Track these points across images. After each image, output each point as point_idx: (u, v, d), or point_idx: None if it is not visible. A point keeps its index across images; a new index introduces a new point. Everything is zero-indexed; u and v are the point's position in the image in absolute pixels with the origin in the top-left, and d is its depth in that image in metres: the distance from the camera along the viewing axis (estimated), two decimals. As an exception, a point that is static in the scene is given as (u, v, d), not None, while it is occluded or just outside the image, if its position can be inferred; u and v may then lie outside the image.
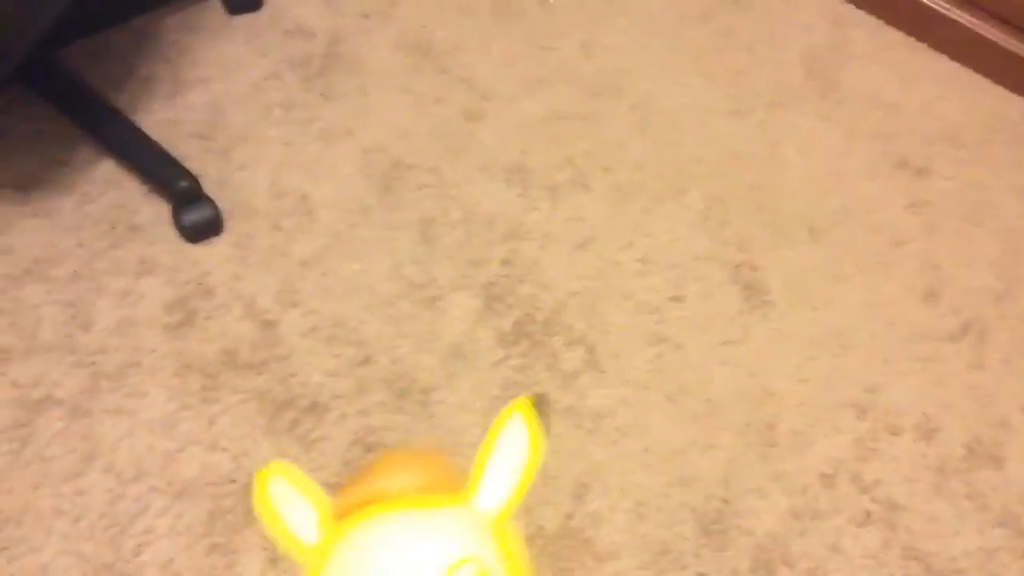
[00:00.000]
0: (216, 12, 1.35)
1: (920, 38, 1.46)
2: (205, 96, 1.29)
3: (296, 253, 1.18)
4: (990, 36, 1.42)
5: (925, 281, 1.24)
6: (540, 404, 0.33)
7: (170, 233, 1.18)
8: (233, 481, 1.03)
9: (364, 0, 1.38)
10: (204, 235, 1.18)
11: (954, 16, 1.43)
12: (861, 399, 1.13)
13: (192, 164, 1.21)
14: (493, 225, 1.23)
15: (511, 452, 0.32)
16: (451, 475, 0.34)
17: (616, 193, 1.28)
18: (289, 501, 0.33)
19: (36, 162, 1.22)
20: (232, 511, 1.01)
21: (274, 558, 0.96)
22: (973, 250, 1.28)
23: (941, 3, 1.43)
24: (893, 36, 1.45)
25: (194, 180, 1.19)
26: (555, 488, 1.01)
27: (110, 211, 1.20)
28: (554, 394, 1.09)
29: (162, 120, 1.26)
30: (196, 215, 1.18)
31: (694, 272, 1.21)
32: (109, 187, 1.21)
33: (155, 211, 1.20)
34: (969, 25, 1.43)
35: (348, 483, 0.34)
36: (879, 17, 1.48)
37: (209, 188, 1.20)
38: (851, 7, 1.48)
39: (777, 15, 1.45)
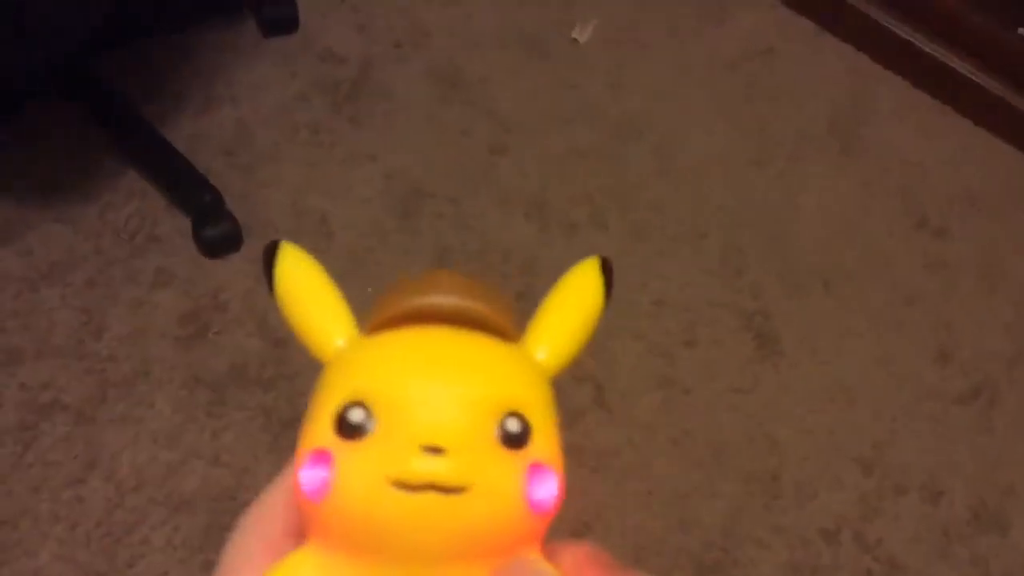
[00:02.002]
0: (251, 33, 1.37)
1: (944, 100, 1.47)
2: (234, 114, 1.30)
3: (312, 274, 1.19)
4: (1014, 103, 1.42)
5: (938, 341, 1.24)
6: (606, 265, 0.29)
7: (189, 246, 1.19)
8: (233, 498, 1.03)
9: (397, 29, 1.40)
10: (223, 250, 1.19)
11: (979, 80, 1.43)
12: (868, 455, 1.12)
13: (216, 179, 1.22)
14: (509, 258, 1.24)
15: (574, 305, 0.29)
16: (509, 313, 0.28)
17: (633, 233, 1.28)
18: (312, 288, 0.28)
19: (63, 168, 1.23)
20: (230, 527, 1.01)
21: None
22: (987, 313, 1.28)
23: (967, 67, 1.44)
24: (918, 97, 1.46)
25: (217, 195, 1.20)
26: (555, 525, 1.00)
27: (131, 221, 1.21)
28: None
29: (190, 134, 1.27)
30: (216, 230, 1.19)
31: (707, 317, 1.21)
32: (132, 197, 1.22)
33: (176, 223, 1.21)
34: (993, 91, 1.43)
35: (387, 292, 0.28)
36: (904, 77, 1.49)
37: (231, 204, 1.21)
38: (878, 66, 1.49)
39: (804, 69, 1.46)
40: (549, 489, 0.26)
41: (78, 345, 1.11)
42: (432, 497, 0.24)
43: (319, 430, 0.26)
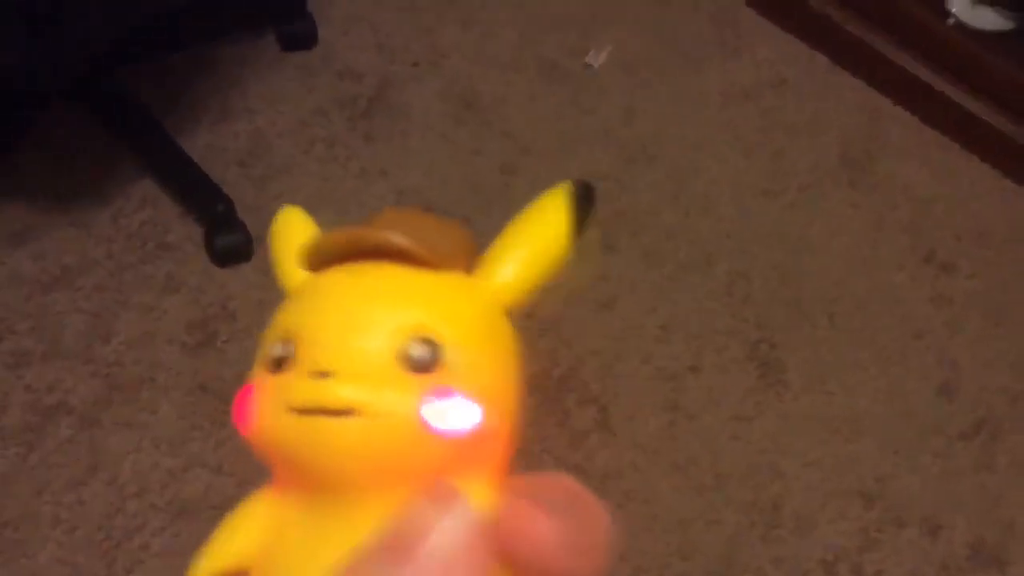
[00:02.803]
0: (270, 47, 1.39)
1: (954, 137, 1.48)
2: (250, 126, 1.31)
3: (321, 286, 1.19)
4: (1022, 141, 1.43)
5: (942, 376, 1.24)
6: (582, 192, 0.27)
7: (200, 254, 1.20)
8: (235, 506, 1.03)
9: (415, 49, 1.41)
10: (233, 259, 1.20)
11: (988, 119, 1.44)
12: (869, 488, 1.12)
13: (229, 189, 1.23)
14: (518, 278, 1.24)
15: (532, 233, 0.28)
16: (458, 247, 0.28)
17: (643, 258, 1.29)
18: (288, 236, 0.31)
19: (79, 173, 1.25)
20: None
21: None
22: (992, 350, 1.28)
23: (977, 105, 1.45)
24: (928, 134, 1.47)
25: (229, 205, 1.21)
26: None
27: (144, 227, 1.21)
28: (562, 451, 1.09)
29: (205, 145, 1.28)
30: (228, 239, 1.20)
31: (713, 344, 1.22)
32: (146, 204, 1.23)
33: (188, 231, 1.21)
34: (1002, 128, 1.44)
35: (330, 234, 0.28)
36: (915, 114, 1.50)
37: (243, 214, 1.22)
38: (889, 102, 1.50)
39: (817, 102, 1.47)
40: (456, 413, 0.25)
41: (86, 349, 1.12)
42: (325, 420, 0.25)
43: (257, 368, 0.27)
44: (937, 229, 1.39)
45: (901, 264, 1.35)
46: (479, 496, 0.26)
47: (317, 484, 0.26)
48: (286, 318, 0.28)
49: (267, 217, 1.26)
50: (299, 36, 1.39)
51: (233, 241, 1.20)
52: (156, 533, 1.01)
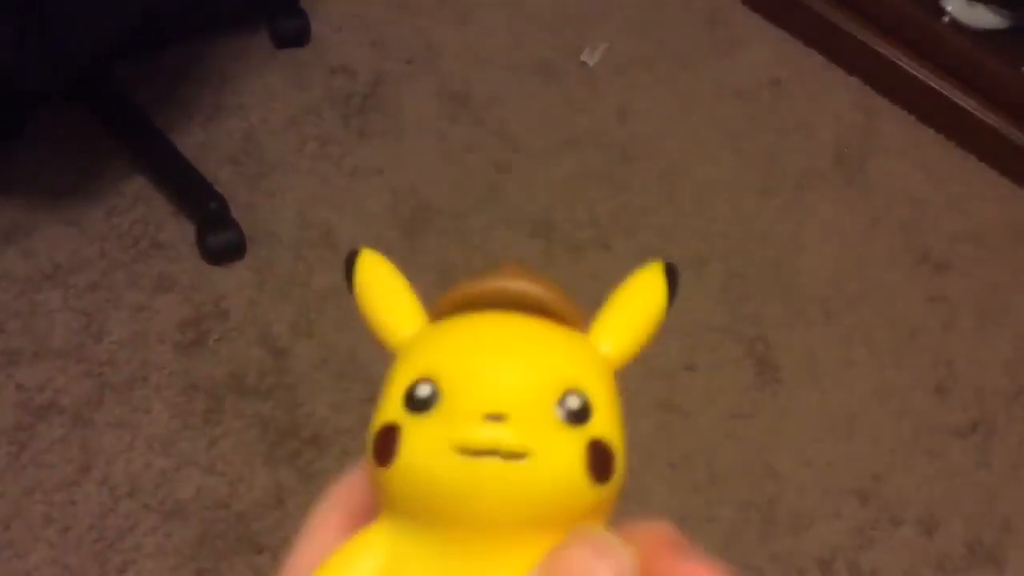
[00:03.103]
0: (263, 44, 1.38)
1: (949, 136, 1.48)
2: (243, 123, 1.31)
3: (315, 284, 1.19)
4: (1018, 140, 1.43)
5: (937, 375, 1.24)
6: (671, 270, 0.30)
7: (192, 253, 1.19)
8: (227, 507, 1.02)
9: (409, 47, 1.41)
10: (226, 258, 1.19)
11: (983, 117, 1.44)
12: (865, 486, 1.12)
13: (222, 187, 1.22)
14: (512, 277, 1.24)
15: (639, 303, 0.30)
16: (573, 306, 0.29)
17: (637, 257, 1.28)
18: (386, 286, 0.30)
19: (71, 171, 1.24)
20: (222, 536, 1.00)
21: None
22: (987, 349, 1.28)
23: (973, 103, 1.45)
24: (923, 133, 1.47)
25: (222, 203, 1.20)
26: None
27: (136, 226, 1.21)
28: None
29: (198, 142, 1.28)
30: (220, 237, 1.19)
31: (708, 343, 1.21)
32: (138, 202, 1.22)
33: (180, 229, 1.21)
34: (998, 128, 1.44)
35: (454, 286, 0.30)
36: (911, 112, 1.50)
37: (236, 212, 1.21)
38: (885, 101, 1.50)
39: (812, 101, 1.47)
40: (608, 465, 0.26)
41: (78, 348, 1.11)
42: (493, 462, 0.26)
43: (389, 407, 0.27)
44: (932, 228, 1.39)
45: (896, 263, 1.35)
46: (608, 534, 0.27)
47: (468, 524, 0.26)
48: (424, 360, 0.28)
49: (260, 215, 1.25)
50: (292, 33, 1.39)
51: (226, 239, 1.19)
52: (148, 533, 1.00)
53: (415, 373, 0.27)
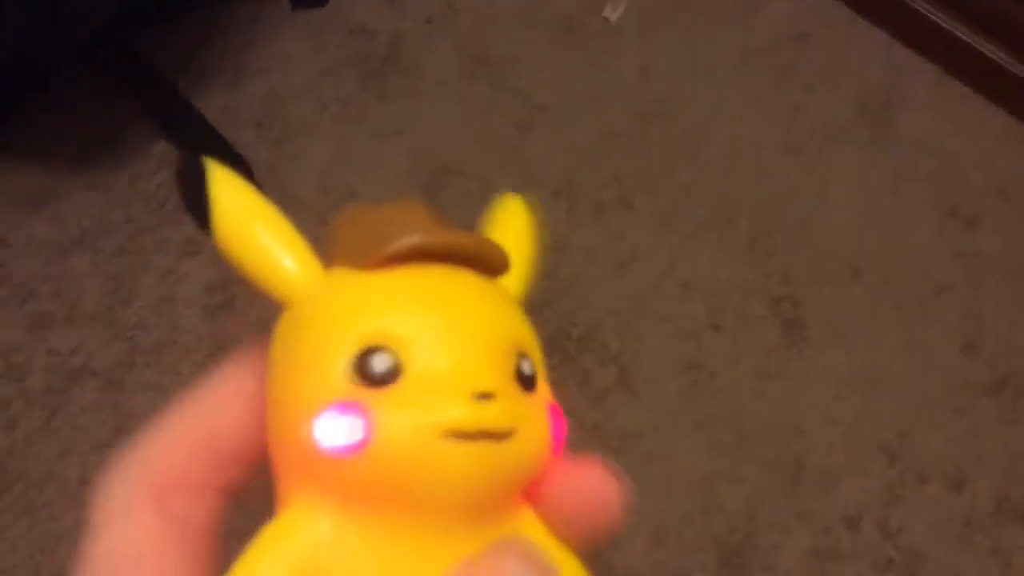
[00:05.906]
0: (280, 5, 1.37)
1: (977, 90, 1.45)
2: (264, 86, 1.30)
3: (339, 247, 1.19)
4: (1050, 93, 1.41)
5: (965, 332, 1.23)
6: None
7: (217, 217, 1.19)
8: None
9: (428, 5, 1.39)
10: (250, 222, 1.19)
11: (1014, 70, 1.42)
12: (892, 444, 1.12)
13: (245, 151, 1.22)
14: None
15: (521, 238, 0.28)
16: (500, 251, 0.27)
17: (661, 217, 1.28)
18: (260, 218, 0.25)
19: (95, 136, 1.24)
20: (251, 490, 1.01)
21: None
22: (1017, 305, 1.27)
23: (1002, 55, 1.42)
24: (951, 86, 1.44)
25: (246, 166, 1.20)
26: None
27: (161, 190, 1.21)
28: (583, 411, 1.09)
29: (220, 106, 1.27)
30: (244, 201, 1.19)
31: (734, 302, 1.21)
32: (163, 166, 1.22)
33: (205, 194, 1.21)
34: (1029, 80, 1.42)
35: (348, 224, 0.25)
36: (938, 64, 1.47)
37: (259, 176, 1.21)
38: (912, 52, 1.47)
39: (837, 56, 1.44)
40: (563, 430, 0.25)
41: (107, 312, 1.12)
42: (487, 445, 0.23)
43: (332, 379, 0.23)
44: (960, 183, 1.37)
45: (924, 219, 1.33)
46: (530, 540, 0.25)
47: (442, 509, 0.23)
48: (369, 324, 0.23)
49: (284, 178, 1.25)
50: (310, -6, 1.38)
51: (250, 203, 1.19)
52: (180, 494, 1.02)
53: (361, 340, 0.23)
